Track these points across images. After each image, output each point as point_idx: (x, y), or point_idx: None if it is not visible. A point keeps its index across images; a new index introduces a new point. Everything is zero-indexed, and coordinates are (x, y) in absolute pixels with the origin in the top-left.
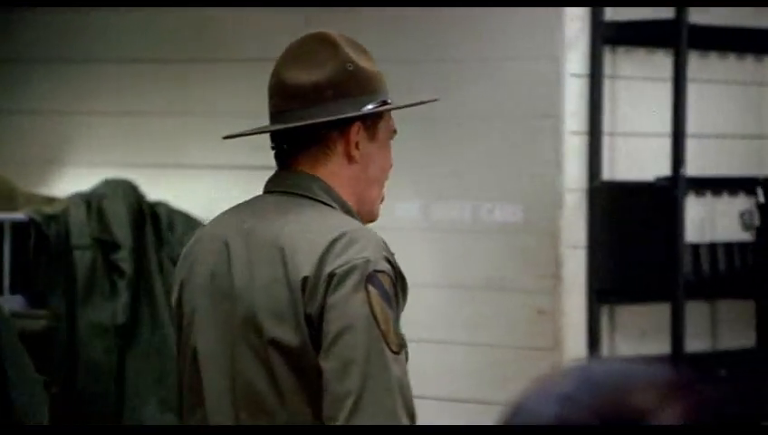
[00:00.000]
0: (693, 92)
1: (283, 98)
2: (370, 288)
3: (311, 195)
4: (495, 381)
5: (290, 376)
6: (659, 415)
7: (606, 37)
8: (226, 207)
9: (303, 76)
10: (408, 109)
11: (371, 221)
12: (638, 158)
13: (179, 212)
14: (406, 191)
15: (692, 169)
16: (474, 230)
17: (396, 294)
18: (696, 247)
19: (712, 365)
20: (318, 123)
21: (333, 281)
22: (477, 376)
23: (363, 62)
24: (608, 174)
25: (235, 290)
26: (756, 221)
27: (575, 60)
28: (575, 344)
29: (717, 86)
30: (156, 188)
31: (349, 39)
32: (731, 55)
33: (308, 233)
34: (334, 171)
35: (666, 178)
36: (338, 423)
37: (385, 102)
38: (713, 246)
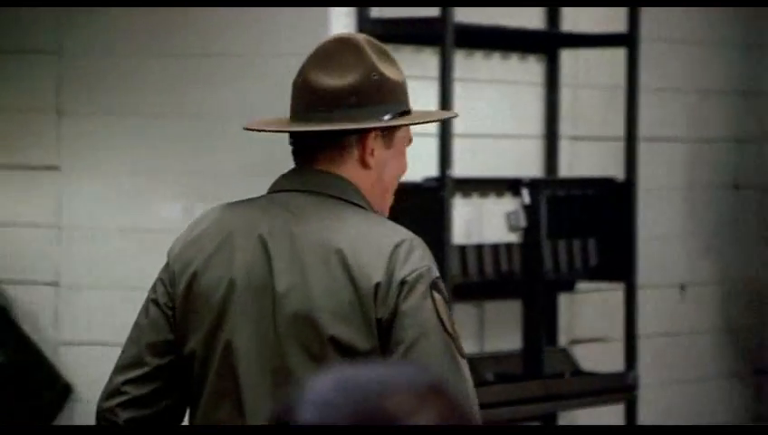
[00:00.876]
0: (459, 91)
1: (308, 99)
2: (435, 295)
3: (346, 197)
4: None
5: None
6: (416, 418)
7: (372, 35)
8: None
9: (329, 80)
10: (172, 104)
11: None
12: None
13: None
14: (170, 191)
15: (459, 169)
16: None
17: None
18: (463, 249)
19: (479, 368)
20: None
21: (404, 288)
22: None
23: (388, 71)
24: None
25: (278, 287)
26: (522, 222)
27: None
28: None
29: (483, 85)
30: None
31: (375, 45)
32: (496, 54)
33: (367, 237)
34: (352, 175)
35: (433, 179)
36: None
37: (405, 112)
38: (480, 248)
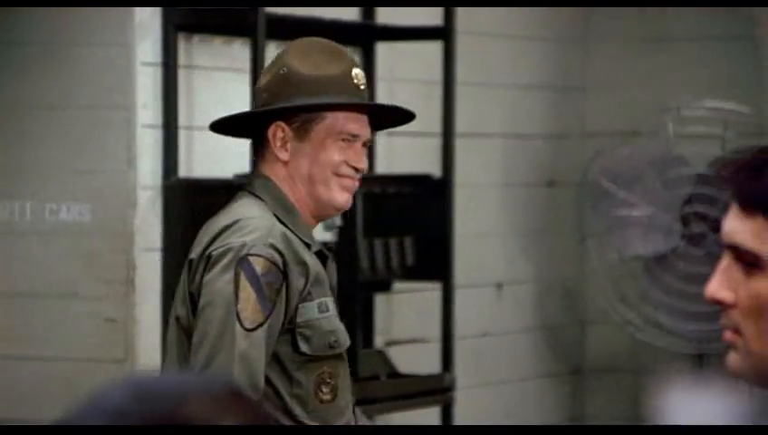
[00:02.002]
0: None
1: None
2: (239, 269)
3: (251, 190)
4: (62, 398)
5: (189, 352)
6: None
7: (179, 25)
8: None
9: (259, 83)
10: None
11: (327, 217)
12: (217, 154)
13: None
14: None
15: None
16: (36, 232)
17: (278, 280)
18: None
19: None
20: (241, 122)
21: (210, 262)
22: (42, 394)
23: (303, 67)
24: (185, 171)
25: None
26: (337, 221)
27: (147, 48)
28: (149, 354)
29: None
30: None
31: (313, 43)
32: None
33: (213, 222)
34: (271, 169)
35: (244, 176)
36: None
37: (330, 106)
38: None
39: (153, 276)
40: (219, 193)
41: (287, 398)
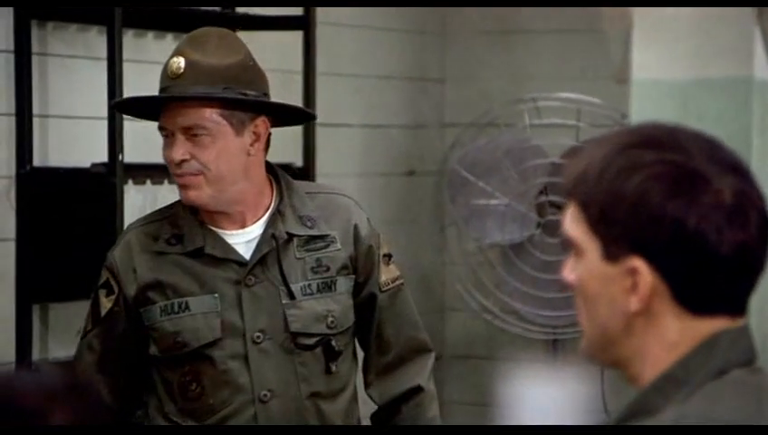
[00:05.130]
0: (130, 74)
1: None
2: None
3: None
4: None
5: None
6: (49, 417)
7: (33, 11)
8: None
9: None
10: None
11: (213, 213)
12: (74, 142)
13: None
14: None
15: (131, 155)
16: None
17: (114, 287)
18: None
19: None
20: None
21: None
22: None
23: None
24: (39, 160)
25: None
26: None
27: None
28: (4, 348)
29: (155, 67)
30: None
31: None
32: (168, 36)
33: None
34: None
35: (103, 165)
36: None
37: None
38: None
39: (7, 267)
40: (75, 182)
41: (162, 395)
